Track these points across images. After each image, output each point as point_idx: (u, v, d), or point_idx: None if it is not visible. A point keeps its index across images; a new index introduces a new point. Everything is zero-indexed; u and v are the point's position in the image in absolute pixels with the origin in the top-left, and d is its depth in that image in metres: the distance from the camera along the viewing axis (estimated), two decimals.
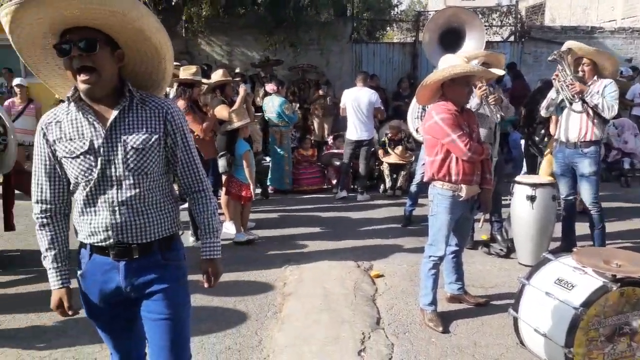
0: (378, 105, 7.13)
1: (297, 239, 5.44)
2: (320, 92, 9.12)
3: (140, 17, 1.70)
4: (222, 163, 5.23)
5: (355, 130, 7.08)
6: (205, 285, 2.00)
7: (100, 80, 1.72)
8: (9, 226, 4.82)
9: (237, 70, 9.19)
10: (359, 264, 4.66)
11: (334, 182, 7.79)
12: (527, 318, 2.89)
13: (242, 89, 5.63)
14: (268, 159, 7.63)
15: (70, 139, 1.78)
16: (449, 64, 3.43)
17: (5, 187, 4.82)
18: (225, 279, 4.18)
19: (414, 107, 5.45)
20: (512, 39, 11.59)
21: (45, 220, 1.86)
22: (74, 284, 1.91)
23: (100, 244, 1.82)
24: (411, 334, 3.41)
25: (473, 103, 4.48)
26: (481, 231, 5.05)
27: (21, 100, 7.52)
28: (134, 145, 1.78)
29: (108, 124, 1.77)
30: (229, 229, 5.34)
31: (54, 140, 1.79)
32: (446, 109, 3.36)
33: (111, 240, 1.80)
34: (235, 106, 5.35)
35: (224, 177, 5.41)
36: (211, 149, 5.31)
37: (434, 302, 3.54)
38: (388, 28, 16.27)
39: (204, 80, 5.69)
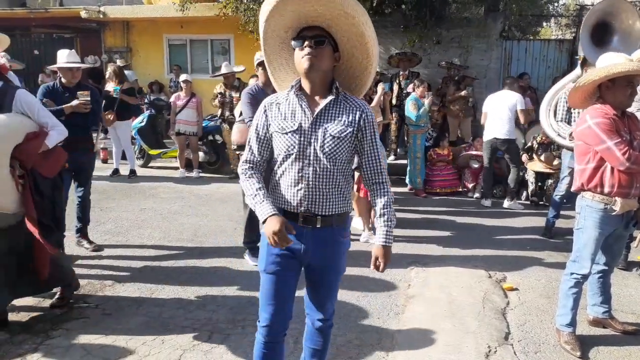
0: (522, 108, 6.66)
1: (426, 241, 5.33)
2: (463, 93, 8.78)
3: (365, 23, 2.06)
4: (355, 159, 5.31)
5: (492, 129, 6.70)
6: (372, 268, 2.23)
7: (318, 64, 2.07)
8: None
9: (377, 69, 9.24)
10: (491, 274, 4.42)
11: (470, 185, 7.48)
12: None
13: (380, 88, 5.66)
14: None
15: (284, 119, 2.16)
16: (609, 63, 3.09)
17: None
18: (351, 273, 4.24)
19: (546, 108, 5.04)
20: None
21: (250, 172, 2.23)
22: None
23: (291, 211, 2.16)
24: (543, 355, 3.16)
25: None
26: (638, 251, 4.47)
27: (185, 94, 8.37)
28: (332, 133, 2.11)
29: (316, 111, 2.13)
30: (357, 225, 5.41)
31: (272, 117, 2.18)
32: (603, 113, 3.03)
33: (302, 209, 2.14)
34: (372, 104, 5.40)
35: (356, 174, 5.49)
36: None
37: (572, 324, 3.23)
38: (545, 24, 15.08)
39: None
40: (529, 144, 7.24)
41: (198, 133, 8.36)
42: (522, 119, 6.80)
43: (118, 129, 8.03)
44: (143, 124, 8.95)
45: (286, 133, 2.14)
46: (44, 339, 3.21)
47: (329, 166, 2.12)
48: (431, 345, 3.24)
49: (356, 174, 5.50)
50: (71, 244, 4.81)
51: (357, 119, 2.15)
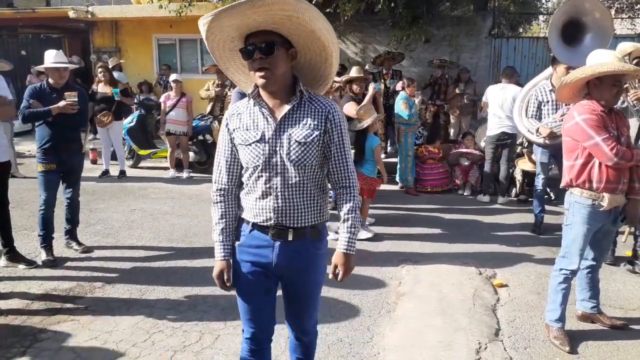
0: None
1: (417, 238, 5.34)
2: (457, 90, 8.83)
3: (312, 19, 1.89)
4: None
5: (497, 125, 6.69)
6: (331, 276, 2.11)
7: (274, 76, 1.94)
8: None
9: (366, 67, 9.23)
10: (481, 270, 4.44)
11: (460, 183, 7.50)
12: None
13: (371, 87, 5.68)
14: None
15: (247, 129, 2.03)
16: (597, 61, 3.11)
17: None
18: None
19: (519, 105, 5.13)
20: None
21: (218, 197, 2.12)
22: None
23: (262, 224, 2.04)
24: (532, 350, 3.18)
25: None
26: (625, 246, 4.51)
27: (175, 94, 8.32)
28: (297, 139, 1.98)
29: (279, 118, 1.99)
30: None
31: (234, 129, 2.06)
32: (590, 109, 3.06)
33: (272, 222, 2.02)
34: (364, 103, 5.41)
35: None
36: None
37: (561, 319, 3.26)
38: (533, 22, 15.17)
39: (336, 79, 5.83)
40: (519, 141, 7.28)
41: (188, 133, 8.32)
42: None
43: (111, 129, 7.98)
44: (133, 124, 8.90)
45: (249, 144, 2.01)
46: (32, 342, 3.18)
47: (297, 175, 2.00)
48: (422, 342, 3.25)
49: None
50: (60, 246, 4.77)
51: (323, 121, 2.01)
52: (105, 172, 8.18)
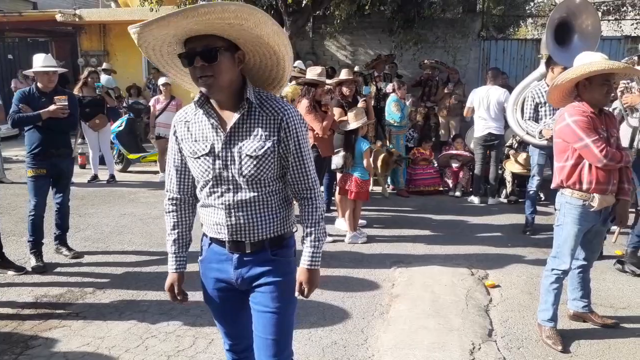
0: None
1: (409, 240, 5.35)
2: (445, 90, 8.86)
3: (258, 24, 1.71)
4: (335, 160, 5.31)
5: (483, 127, 6.74)
6: (297, 294, 1.99)
7: (219, 84, 1.77)
8: None
9: (356, 69, 9.22)
10: (473, 271, 4.46)
11: (451, 184, 7.54)
12: None
13: (361, 103, 5.74)
14: None
15: (195, 140, 1.88)
16: (586, 61, 3.14)
17: None
18: (335, 274, 4.29)
19: (512, 107, 5.20)
20: None
21: (170, 207, 2.04)
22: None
23: (219, 238, 1.94)
24: (525, 350, 3.20)
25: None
26: (615, 246, 4.56)
27: (165, 97, 8.29)
28: (249, 153, 1.82)
29: (227, 129, 1.83)
30: (341, 226, 5.42)
31: (182, 139, 1.92)
32: (581, 111, 3.09)
33: (226, 237, 1.91)
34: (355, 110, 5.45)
35: (338, 175, 5.50)
36: (329, 147, 5.43)
37: (553, 319, 3.28)
38: (521, 23, 15.29)
39: (328, 81, 5.84)
40: (509, 142, 7.34)
41: None
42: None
43: (100, 133, 7.92)
44: (122, 128, 8.83)
45: (198, 157, 1.86)
46: (24, 349, 3.14)
47: (252, 190, 1.85)
48: (416, 343, 3.25)
49: (338, 176, 5.53)
50: (50, 252, 4.72)
51: (275, 129, 1.82)
52: (94, 177, 8.10)
